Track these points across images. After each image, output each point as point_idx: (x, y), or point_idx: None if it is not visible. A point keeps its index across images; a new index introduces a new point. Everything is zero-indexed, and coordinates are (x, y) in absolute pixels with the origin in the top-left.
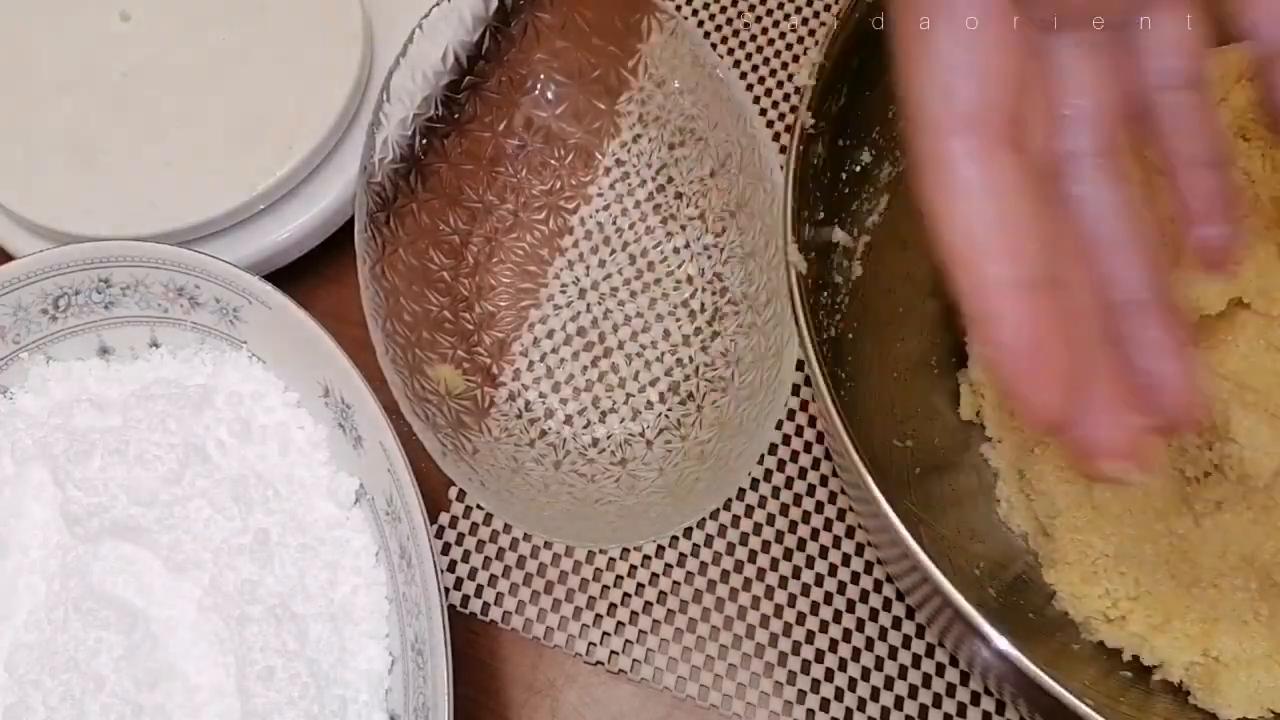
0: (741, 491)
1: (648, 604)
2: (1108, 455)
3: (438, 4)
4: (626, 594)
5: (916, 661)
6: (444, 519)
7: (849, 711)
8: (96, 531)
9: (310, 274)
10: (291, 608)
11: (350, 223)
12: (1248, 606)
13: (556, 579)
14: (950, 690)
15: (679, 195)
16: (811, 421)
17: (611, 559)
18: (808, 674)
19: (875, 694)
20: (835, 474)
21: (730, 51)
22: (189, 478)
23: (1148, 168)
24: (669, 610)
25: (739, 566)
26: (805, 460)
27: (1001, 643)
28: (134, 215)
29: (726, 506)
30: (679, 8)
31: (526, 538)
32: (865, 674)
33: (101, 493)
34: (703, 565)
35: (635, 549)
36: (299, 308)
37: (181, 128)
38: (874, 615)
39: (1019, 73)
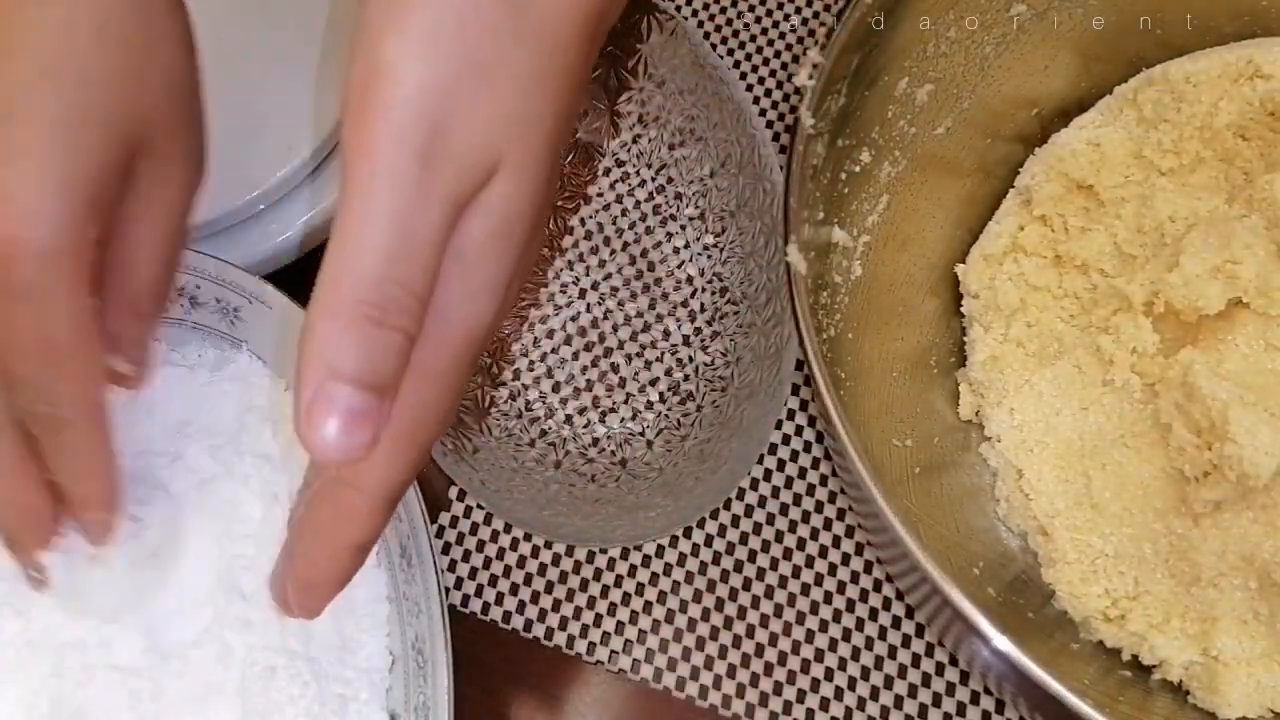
0: (741, 491)
1: (648, 604)
2: None
3: None
4: (626, 594)
5: (916, 660)
6: (444, 519)
7: (849, 711)
8: None
9: (311, 274)
10: None
11: None
12: (1247, 606)
13: (557, 579)
14: (950, 689)
15: (679, 195)
16: (811, 421)
17: (611, 559)
18: (807, 673)
19: (875, 693)
20: (835, 474)
21: (730, 52)
22: (189, 475)
23: (1147, 168)
24: (669, 610)
25: (739, 566)
26: (805, 460)
27: (1001, 642)
28: None
29: (726, 506)
30: (679, 8)
31: (526, 538)
32: (865, 673)
33: None
34: (703, 565)
35: (635, 549)
36: (300, 308)
37: None
38: (873, 614)
39: None
